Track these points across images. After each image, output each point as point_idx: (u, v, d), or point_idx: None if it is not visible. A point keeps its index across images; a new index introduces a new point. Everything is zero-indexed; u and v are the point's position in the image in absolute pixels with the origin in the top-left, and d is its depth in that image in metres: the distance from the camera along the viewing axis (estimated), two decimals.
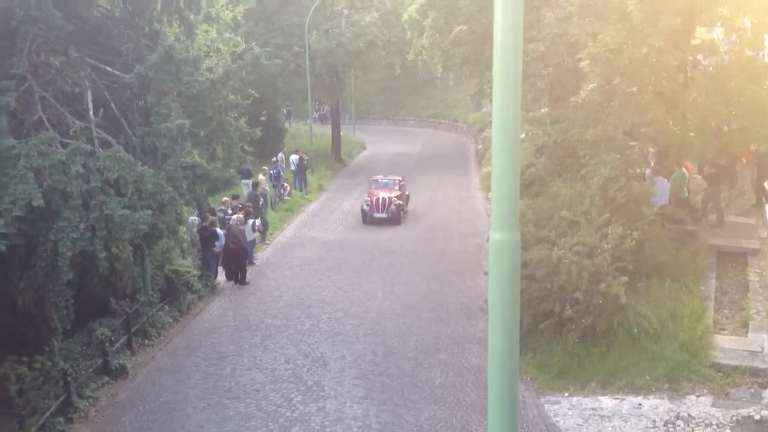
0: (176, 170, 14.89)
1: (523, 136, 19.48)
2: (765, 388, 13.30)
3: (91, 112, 14.59)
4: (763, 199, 21.80)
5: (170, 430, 13.25)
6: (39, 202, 12.20)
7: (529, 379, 14.19)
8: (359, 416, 13.38)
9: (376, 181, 30.63)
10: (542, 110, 20.49)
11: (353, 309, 18.72)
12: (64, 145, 13.36)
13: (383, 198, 28.32)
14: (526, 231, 15.75)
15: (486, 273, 17.48)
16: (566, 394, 13.72)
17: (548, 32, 18.91)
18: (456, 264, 22.42)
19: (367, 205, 28.43)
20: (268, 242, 25.85)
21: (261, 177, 28.40)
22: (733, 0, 17.10)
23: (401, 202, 28.79)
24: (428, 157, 45.35)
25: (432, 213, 30.46)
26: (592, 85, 16.72)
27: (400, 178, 30.59)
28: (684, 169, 20.06)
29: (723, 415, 12.57)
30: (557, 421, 12.90)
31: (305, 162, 35.37)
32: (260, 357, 16.19)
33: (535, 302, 14.60)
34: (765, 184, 22.02)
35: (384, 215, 27.90)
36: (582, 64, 16.87)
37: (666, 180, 19.37)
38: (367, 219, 28.20)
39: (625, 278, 14.73)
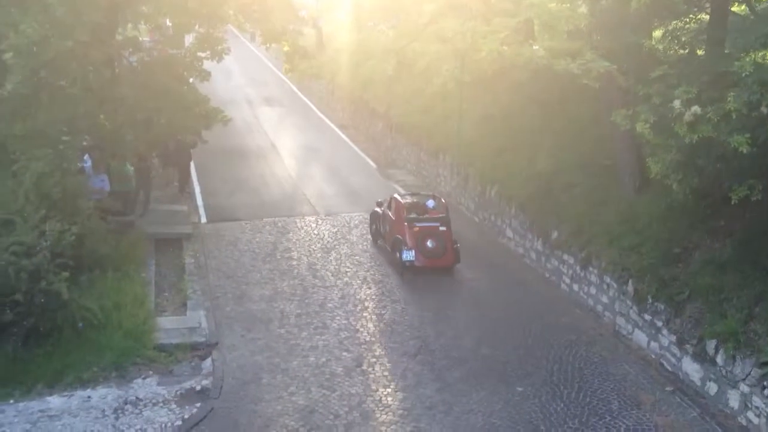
0: None
1: None
2: (204, 359, 14.70)
3: None
4: (187, 188, 24.09)
5: None
6: None
7: None
8: None
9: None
10: None
11: None
12: None
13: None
14: None
15: None
16: (11, 401, 13.06)
17: None
18: None
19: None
20: None
21: None
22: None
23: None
24: None
25: None
26: (18, 77, 16.02)
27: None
28: (127, 164, 20.62)
29: (168, 392, 13.47)
30: (4, 431, 12.26)
31: None
32: None
33: None
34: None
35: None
36: (6, 56, 16.04)
37: (106, 175, 19.74)
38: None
39: (66, 274, 14.57)
